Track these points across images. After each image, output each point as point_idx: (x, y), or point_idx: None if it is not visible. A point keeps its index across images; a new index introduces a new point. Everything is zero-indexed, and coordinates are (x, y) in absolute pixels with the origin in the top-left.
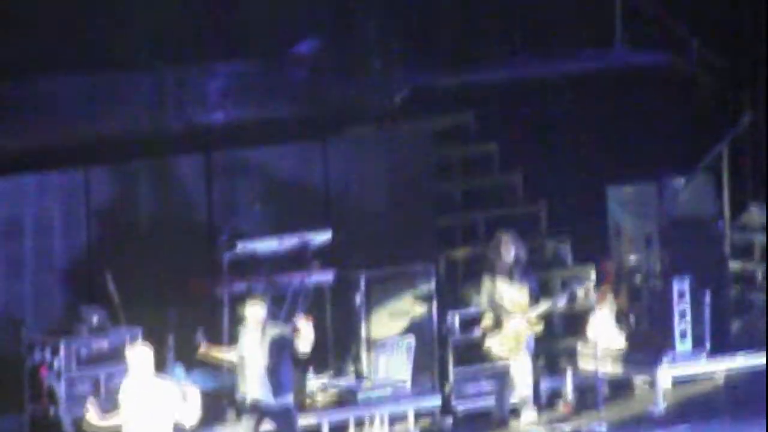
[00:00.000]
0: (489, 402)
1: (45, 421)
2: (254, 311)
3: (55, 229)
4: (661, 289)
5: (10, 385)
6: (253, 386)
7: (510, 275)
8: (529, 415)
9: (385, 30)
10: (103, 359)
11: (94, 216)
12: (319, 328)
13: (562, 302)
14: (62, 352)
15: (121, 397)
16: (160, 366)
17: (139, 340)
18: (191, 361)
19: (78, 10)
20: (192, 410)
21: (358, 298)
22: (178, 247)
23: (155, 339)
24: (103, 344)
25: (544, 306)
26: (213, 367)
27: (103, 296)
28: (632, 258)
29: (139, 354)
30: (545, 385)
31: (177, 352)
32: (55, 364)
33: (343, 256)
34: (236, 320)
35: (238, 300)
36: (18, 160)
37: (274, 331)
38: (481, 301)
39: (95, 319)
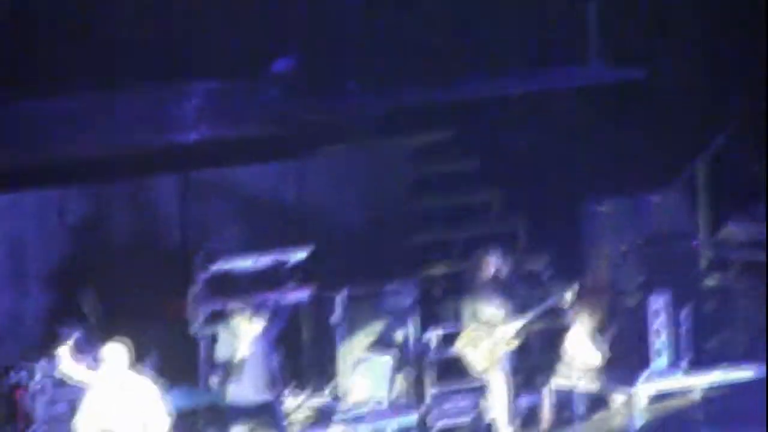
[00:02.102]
0: (466, 419)
1: None
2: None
3: (29, 249)
4: (637, 305)
5: None
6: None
7: (488, 292)
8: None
9: (361, 48)
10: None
11: (69, 236)
12: (295, 347)
13: (537, 316)
14: (38, 373)
15: (93, 396)
16: None
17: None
18: (170, 380)
19: (54, 31)
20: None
21: (335, 317)
22: (154, 266)
23: (133, 358)
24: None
25: (520, 322)
26: (192, 385)
27: (80, 317)
28: (608, 275)
29: (114, 350)
30: (522, 402)
31: (154, 371)
32: (31, 385)
33: (320, 274)
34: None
35: (214, 318)
36: None
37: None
38: (459, 318)
39: (72, 339)
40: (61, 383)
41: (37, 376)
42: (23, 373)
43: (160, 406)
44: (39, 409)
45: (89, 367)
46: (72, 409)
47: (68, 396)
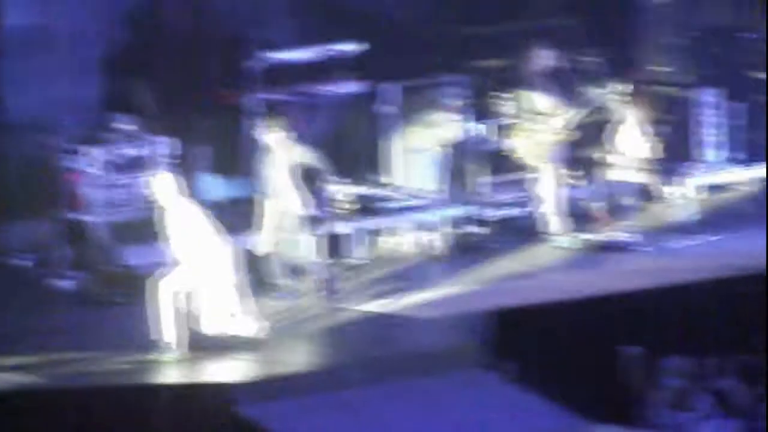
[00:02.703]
0: (518, 211)
1: (77, 225)
2: (274, 137)
3: (87, 38)
4: (692, 99)
5: (44, 191)
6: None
7: (541, 85)
8: (558, 224)
9: None
10: (136, 167)
11: (126, 25)
12: (347, 139)
13: (589, 109)
14: (96, 159)
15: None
16: (191, 176)
17: (169, 153)
18: (221, 170)
19: None
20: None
21: (388, 109)
22: (209, 57)
23: (186, 148)
24: (135, 152)
25: (573, 115)
26: (243, 174)
27: (135, 106)
28: (664, 69)
29: (163, 181)
30: (573, 194)
31: (206, 161)
32: (89, 170)
33: (373, 67)
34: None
35: (268, 110)
36: None
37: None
38: (512, 110)
39: (128, 127)
40: (117, 169)
41: (95, 161)
42: (81, 158)
43: (214, 231)
44: (95, 193)
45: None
46: (128, 194)
47: (124, 181)
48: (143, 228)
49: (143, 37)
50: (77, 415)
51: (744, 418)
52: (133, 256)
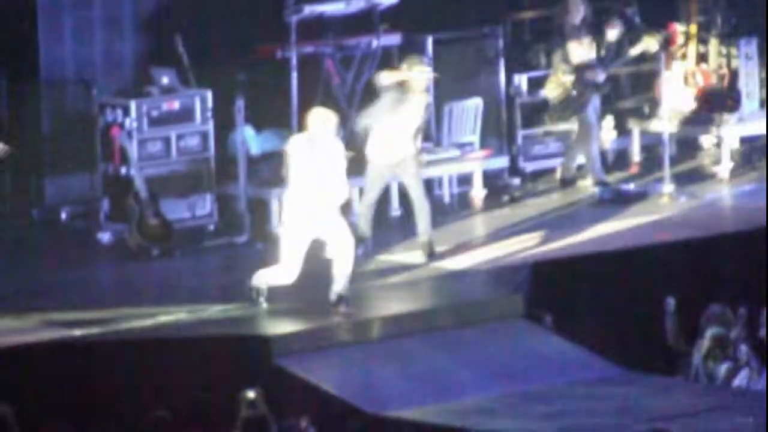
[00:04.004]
0: (555, 163)
1: (116, 179)
2: (422, 78)
3: None
4: (729, 48)
5: (83, 145)
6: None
7: (578, 36)
8: (595, 175)
9: None
10: (174, 120)
11: None
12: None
13: (627, 60)
14: (133, 112)
15: (294, 155)
16: (230, 127)
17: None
18: (260, 123)
19: None
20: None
21: (426, 61)
22: (246, 9)
23: (225, 101)
24: (173, 105)
25: (609, 66)
26: (282, 128)
27: (172, 59)
28: (701, 19)
29: (321, 116)
30: (612, 146)
31: (246, 113)
32: (127, 124)
33: (410, 18)
34: (304, 82)
35: (305, 62)
36: None
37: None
38: (547, 62)
39: (165, 80)
40: (155, 122)
41: (132, 115)
42: (119, 111)
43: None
44: (134, 146)
45: None
46: (166, 147)
47: (162, 134)
48: (182, 181)
49: None
50: (118, 366)
51: None
52: (171, 210)
